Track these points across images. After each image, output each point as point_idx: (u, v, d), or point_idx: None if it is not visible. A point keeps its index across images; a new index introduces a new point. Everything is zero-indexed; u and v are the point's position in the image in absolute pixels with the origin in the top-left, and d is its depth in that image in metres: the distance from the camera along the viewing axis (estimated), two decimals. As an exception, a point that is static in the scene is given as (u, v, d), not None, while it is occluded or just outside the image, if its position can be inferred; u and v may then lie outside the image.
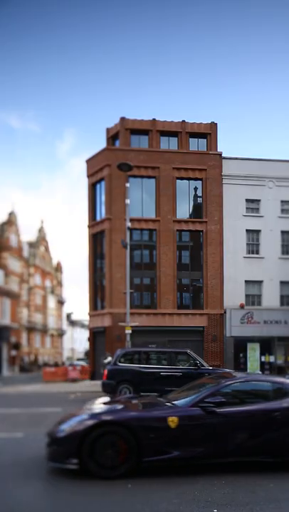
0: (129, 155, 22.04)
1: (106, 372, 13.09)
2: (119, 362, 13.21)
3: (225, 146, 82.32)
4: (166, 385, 12.58)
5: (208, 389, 5.47)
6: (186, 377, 12.65)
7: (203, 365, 13.34)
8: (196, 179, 23.28)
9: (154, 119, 23.75)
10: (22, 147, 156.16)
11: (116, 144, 24.27)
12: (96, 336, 23.57)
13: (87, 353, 47.82)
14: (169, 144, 24.04)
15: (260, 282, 23.00)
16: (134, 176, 22.20)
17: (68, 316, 69.38)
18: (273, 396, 5.47)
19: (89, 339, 25.35)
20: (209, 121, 24.15)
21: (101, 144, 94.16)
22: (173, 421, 4.95)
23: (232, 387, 5.57)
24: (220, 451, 5.08)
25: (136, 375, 12.84)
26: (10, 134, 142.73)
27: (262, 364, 22.38)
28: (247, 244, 23.21)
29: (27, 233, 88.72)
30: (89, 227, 24.09)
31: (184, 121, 23.89)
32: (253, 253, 23.23)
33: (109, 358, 28.89)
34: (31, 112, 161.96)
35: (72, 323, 75.66)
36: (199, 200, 23.46)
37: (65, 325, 70.88)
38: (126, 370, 12.95)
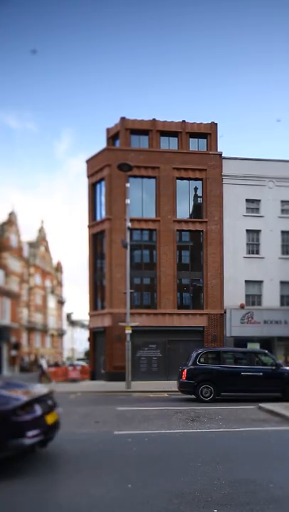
0: (129, 155, 22.04)
1: (185, 372, 13.00)
2: (198, 362, 13.18)
3: (225, 146, 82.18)
4: (248, 384, 12.71)
5: None
6: (266, 377, 12.74)
7: (282, 365, 13.40)
8: (196, 179, 23.27)
9: (154, 119, 23.74)
10: (20, 147, 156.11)
11: (116, 144, 24.26)
12: (96, 336, 23.57)
13: (87, 353, 47.79)
14: (169, 144, 24.03)
15: (260, 282, 23.01)
16: (134, 176, 22.20)
17: (68, 316, 69.24)
18: None
19: (89, 339, 25.33)
20: (209, 121, 24.17)
21: (100, 144, 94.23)
22: None
23: None
24: None
25: (217, 374, 12.80)
26: (8, 134, 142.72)
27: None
28: (247, 244, 23.22)
29: (27, 233, 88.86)
30: (89, 227, 24.08)
31: (184, 121, 23.89)
32: (253, 253, 23.23)
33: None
34: (29, 111, 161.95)
35: (72, 323, 75.54)
36: (199, 200, 23.46)
37: (65, 325, 70.80)
38: (206, 370, 12.92)
